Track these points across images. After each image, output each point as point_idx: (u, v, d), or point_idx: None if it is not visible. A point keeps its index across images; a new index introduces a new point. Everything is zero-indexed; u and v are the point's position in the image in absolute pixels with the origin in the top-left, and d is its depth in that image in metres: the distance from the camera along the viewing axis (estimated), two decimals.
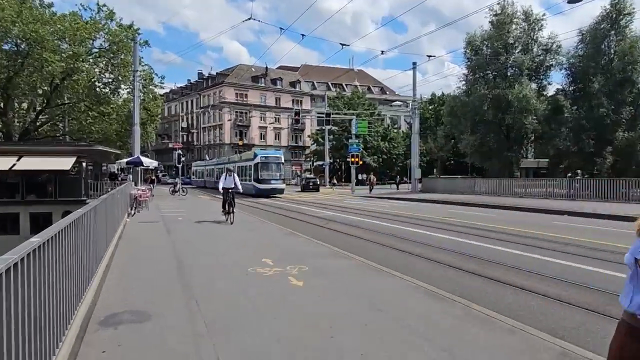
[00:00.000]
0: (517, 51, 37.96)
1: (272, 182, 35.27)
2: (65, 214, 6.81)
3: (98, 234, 6.79)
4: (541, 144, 40.24)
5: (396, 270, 7.57)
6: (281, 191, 35.95)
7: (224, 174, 14.85)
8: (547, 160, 41.08)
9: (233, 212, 14.36)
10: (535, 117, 35.63)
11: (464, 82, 39.84)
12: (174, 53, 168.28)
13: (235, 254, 9.11)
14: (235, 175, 15.03)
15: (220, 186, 14.65)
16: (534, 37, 37.81)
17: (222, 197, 15.19)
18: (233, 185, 14.59)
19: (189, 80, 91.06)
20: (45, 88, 33.96)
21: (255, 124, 75.42)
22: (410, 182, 41.51)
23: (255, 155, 36.95)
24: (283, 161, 37.80)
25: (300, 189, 46.48)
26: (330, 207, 23.81)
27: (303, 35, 37.44)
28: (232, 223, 13.96)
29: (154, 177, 34.55)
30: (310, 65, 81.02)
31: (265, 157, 36.65)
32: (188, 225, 14.19)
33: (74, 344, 4.22)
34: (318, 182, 47.37)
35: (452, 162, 73.30)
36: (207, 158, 69.04)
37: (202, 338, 4.40)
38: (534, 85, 37.65)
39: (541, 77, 38.67)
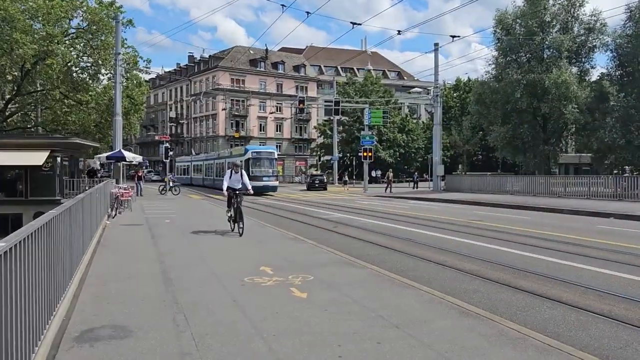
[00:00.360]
0: (554, 30, 37.75)
1: (264, 179, 36.83)
2: (37, 215, 6.86)
3: (74, 239, 6.82)
4: (583, 136, 40.01)
5: (415, 281, 7.54)
6: (274, 189, 37.37)
7: (228, 171, 13.11)
8: (590, 154, 40.80)
9: (242, 222, 12.39)
10: (576, 106, 35.41)
11: (493, 66, 39.75)
12: (161, 33, 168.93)
13: (229, 261, 9.13)
14: (244, 171, 13.30)
15: (225, 186, 12.70)
16: (575, 14, 37.60)
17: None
18: (240, 185, 12.87)
19: (178, 64, 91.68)
20: (16, 73, 34.25)
21: (254, 113, 75.58)
22: (431, 180, 41.45)
23: (246, 151, 38.83)
24: (276, 157, 39.59)
25: (305, 188, 46.61)
26: (340, 208, 23.82)
27: (308, 12, 37.50)
28: (241, 235, 12.13)
29: (140, 174, 34.57)
30: (317, 47, 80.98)
31: (257, 152, 38.68)
32: (176, 229, 14.23)
33: None
34: (325, 180, 47.46)
35: (480, 157, 73.32)
36: (194, 153, 69.41)
37: (191, 356, 4.40)
38: (574, 69, 37.42)
39: (583, 59, 38.44)
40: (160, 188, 34.31)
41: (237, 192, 12.65)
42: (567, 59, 36.54)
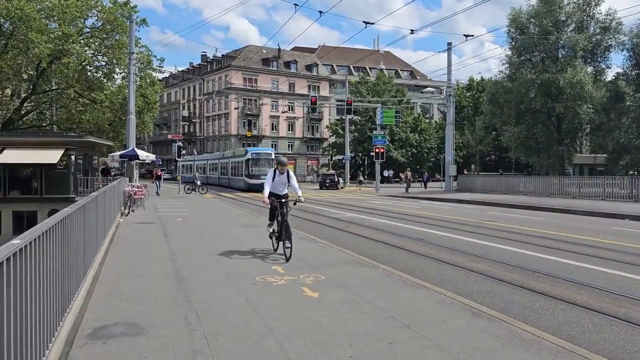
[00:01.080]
0: (569, 30, 37.39)
1: (262, 177, 40.39)
2: (52, 212, 6.93)
3: (87, 236, 6.87)
4: (598, 136, 39.60)
5: (427, 281, 7.52)
6: None
7: (271, 171, 9.74)
8: (605, 155, 40.38)
9: (290, 240, 8.97)
10: (591, 106, 35.01)
11: (507, 66, 39.44)
12: (174, 33, 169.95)
13: (241, 260, 9.15)
14: (291, 172, 9.75)
15: (267, 192, 9.30)
16: (590, 13, 37.21)
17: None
18: (287, 191, 9.60)
19: (191, 63, 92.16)
20: (31, 72, 34.64)
21: (266, 112, 75.75)
22: (443, 180, 41.25)
23: (247, 152, 43.37)
24: (274, 157, 42.95)
25: (318, 187, 46.89)
26: (351, 208, 23.79)
27: (321, 12, 37.70)
28: (288, 259, 8.80)
29: (159, 173, 34.63)
30: (329, 47, 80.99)
31: (256, 153, 43.19)
32: (189, 228, 14.30)
33: (58, 359, 4.27)
34: (337, 179, 47.66)
35: (493, 157, 72.86)
36: (195, 153, 69.87)
37: (203, 355, 4.42)
38: (589, 69, 37.02)
39: (598, 59, 38.03)
40: (186, 187, 34.59)
41: (284, 200, 9.39)
42: (582, 59, 36.16)
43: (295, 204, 9.57)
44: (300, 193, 9.55)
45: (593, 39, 36.73)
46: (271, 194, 9.32)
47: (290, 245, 8.93)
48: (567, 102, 34.96)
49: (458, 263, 9.63)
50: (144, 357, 4.37)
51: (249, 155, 42.28)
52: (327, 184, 45.61)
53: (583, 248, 11.28)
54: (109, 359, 4.34)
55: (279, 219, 9.27)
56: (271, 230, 9.80)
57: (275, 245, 9.68)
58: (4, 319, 2.83)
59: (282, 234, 9.15)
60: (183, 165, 65.41)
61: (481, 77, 73.91)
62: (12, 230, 21.86)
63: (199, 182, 35.43)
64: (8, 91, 37.74)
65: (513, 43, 38.50)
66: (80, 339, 4.81)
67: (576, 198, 26.74)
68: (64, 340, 4.67)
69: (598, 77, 37.36)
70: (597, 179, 29.44)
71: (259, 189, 40.37)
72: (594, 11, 37.11)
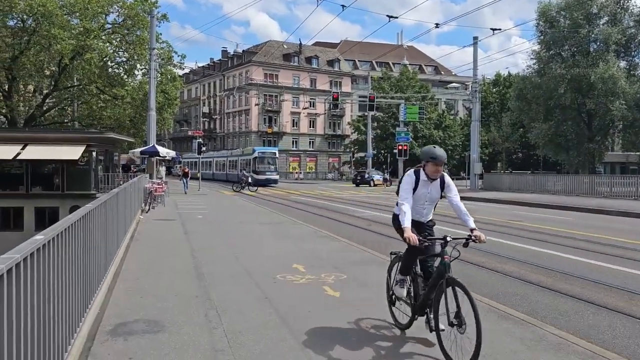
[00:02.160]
0: (602, 22, 36.74)
1: (267, 173, 47.46)
2: (74, 208, 7.06)
3: (108, 233, 6.99)
4: (631, 133, 38.84)
5: None
6: (275, 182, 47.55)
7: (409, 174, 5.00)
8: (638, 153, 39.57)
9: (478, 327, 4.19)
10: (624, 102, 34.36)
11: (535, 60, 38.92)
12: (194, 28, 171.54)
13: (262, 258, 9.20)
14: (449, 178, 5.18)
15: (407, 216, 4.73)
16: (624, 6, 36.50)
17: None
18: (431, 216, 5.41)
19: (211, 59, 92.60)
20: (53, 68, 35.27)
21: (287, 109, 75.83)
22: (468, 178, 40.87)
23: (254, 151, 49.22)
24: (277, 156, 50.92)
25: (338, 185, 47.23)
26: (374, 206, 23.72)
27: (343, 6, 37.70)
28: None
29: (186, 170, 34.82)
30: (352, 41, 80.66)
31: (262, 152, 49.31)
32: (209, 225, 14.44)
33: (80, 355, 4.36)
34: (367, 176, 48.59)
35: (520, 154, 71.92)
36: None
37: (223, 353, 4.47)
38: (622, 64, 36.37)
39: (632, 53, 37.43)
40: (234, 186, 34.90)
41: (442, 240, 4.64)
42: (615, 53, 35.49)
43: (466, 244, 4.61)
44: (472, 223, 4.74)
45: (627, 32, 36.03)
46: (415, 225, 4.92)
47: (474, 334, 4.20)
48: (599, 98, 34.37)
49: (483, 264, 9.55)
50: (165, 355, 4.44)
51: (256, 154, 47.87)
52: (358, 180, 48.65)
53: (614, 249, 11.08)
54: (130, 355, 4.41)
55: (418, 270, 4.97)
56: (405, 292, 5.04)
57: (406, 320, 5.09)
58: (27, 314, 2.90)
59: (435, 303, 4.60)
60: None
61: (508, 72, 73.02)
62: (34, 226, 22.33)
63: (249, 179, 35.57)
64: (30, 87, 38.50)
65: (542, 37, 37.99)
66: (102, 334, 4.91)
67: (607, 197, 26.24)
68: (86, 335, 4.77)
69: (632, 72, 36.69)
70: (630, 177, 28.82)
71: (264, 183, 43.64)
72: (628, 4, 36.43)
